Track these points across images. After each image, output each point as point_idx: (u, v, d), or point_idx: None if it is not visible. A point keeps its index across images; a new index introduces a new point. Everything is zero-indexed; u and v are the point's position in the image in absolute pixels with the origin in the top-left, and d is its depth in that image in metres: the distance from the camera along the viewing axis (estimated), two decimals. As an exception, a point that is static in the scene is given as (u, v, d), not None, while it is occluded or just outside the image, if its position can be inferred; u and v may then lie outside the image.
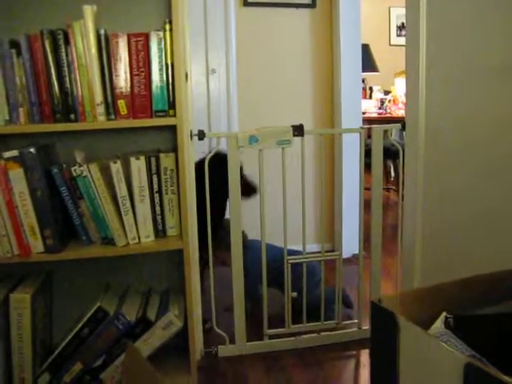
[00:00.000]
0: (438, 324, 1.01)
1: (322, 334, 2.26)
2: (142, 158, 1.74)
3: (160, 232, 1.81)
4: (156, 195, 1.78)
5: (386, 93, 5.33)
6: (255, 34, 3.33)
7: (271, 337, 2.22)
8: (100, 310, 1.77)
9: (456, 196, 1.82)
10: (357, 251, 2.32)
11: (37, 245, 1.68)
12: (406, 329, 0.93)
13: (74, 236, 1.77)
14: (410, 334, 0.92)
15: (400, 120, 2.20)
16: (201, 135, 2.00)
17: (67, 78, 1.64)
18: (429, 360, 0.88)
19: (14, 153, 1.61)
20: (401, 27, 6.19)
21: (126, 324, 1.77)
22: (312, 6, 3.37)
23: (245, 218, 2.13)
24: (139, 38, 1.67)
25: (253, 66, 3.34)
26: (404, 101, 4.51)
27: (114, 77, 1.67)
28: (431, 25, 1.92)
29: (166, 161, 1.77)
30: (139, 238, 1.77)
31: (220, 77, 3.32)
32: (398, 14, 6.11)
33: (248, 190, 2.28)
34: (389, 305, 1.00)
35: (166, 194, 1.78)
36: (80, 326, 1.77)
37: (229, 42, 3.27)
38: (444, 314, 1.02)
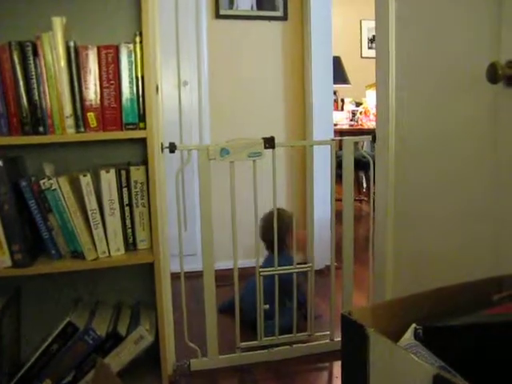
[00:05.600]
0: (408, 335, 1.01)
1: (295, 346, 2.25)
2: (112, 171, 1.73)
3: (130, 245, 1.80)
4: (126, 208, 1.76)
5: (358, 105, 5.38)
6: (227, 47, 3.34)
7: (243, 350, 2.21)
8: (70, 325, 1.75)
9: (426, 207, 1.84)
10: (329, 262, 2.32)
11: (4, 259, 1.65)
12: (375, 341, 0.93)
13: (43, 250, 1.75)
14: (380, 346, 0.92)
15: (371, 132, 2.22)
16: (172, 148, 1.99)
17: (36, 90, 1.63)
18: (398, 372, 0.88)
19: (-19, 166, 1.59)
20: (372, 40, 6.27)
21: (96, 339, 1.75)
22: (284, 18, 3.39)
23: (216, 228, 2.12)
24: (109, 51, 1.67)
25: (225, 79, 3.35)
26: (375, 113, 4.56)
27: (83, 89, 1.67)
28: (400, 38, 1.94)
29: (137, 174, 1.76)
30: (109, 251, 1.75)
31: (192, 89, 3.31)
32: (370, 26, 6.18)
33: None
34: (359, 317, 1.00)
35: (137, 207, 1.77)
36: (49, 341, 1.74)
37: (201, 54, 3.27)
38: (413, 325, 1.03)
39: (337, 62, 4.52)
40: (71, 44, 1.64)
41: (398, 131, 1.99)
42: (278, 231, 2.18)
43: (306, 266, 2.27)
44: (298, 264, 2.24)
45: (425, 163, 1.84)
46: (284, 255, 2.31)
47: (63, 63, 1.63)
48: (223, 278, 2.27)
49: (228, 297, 2.46)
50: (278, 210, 2.29)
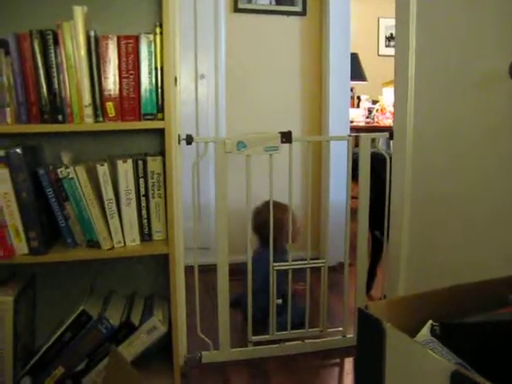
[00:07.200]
0: (424, 332, 1.00)
1: (307, 341, 2.25)
2: (129, 161, 1.73)
3: (146, 236, 1.80)
4: (142, 199, 1.77)
5: (374, 102, 5.34)
6: (245, 41, 3.34)
7: (255, 343, 2.21)
8: (83, 314, 1.76)
9: (443, 205, 1.83)
10: (342, 259, 2.32)
11: (21, 246, 1.66)
12: (392, 336, 0.93)
13: (59, 238, 1.76)
14: (397, 341, 0.92)
15: (387, 129, 2.21)
16: (189, 140, 1.99)
17: (55, 79, 1.63)
18: (415, 367, 0.88)
19: (0, 153, 1.59)
20: (389, 38, 6.23)
21: (109, 328, 1.76)
22: (302, 14, 3.38)
23: (231, 223, 2.12)
24: (129, 41, 1.67)
25: (242, 73, 3.34)
26: (391, 110, 4.53)
27: (102, 79, 1.67)
28: (420, 36, 1.93)
29: (154, 164, 1.76)
30: (125, 241, 1.76)
31: (209, 82, 3.31)
32: (387, 25, 6.15)
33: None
34: (375, 312, 1.00)
35: (153, 197, 1.77)
36: (63, 329, 1.75)
37: (218, 47, 3.27)
38: (430, 321, 1.02)
39: (354, 59, 4.49)
40: (92, 33, 1.64)
41: (416, 129, 1.98)
42: (273, 226, 2.17)
43: (319, 261, 2.27)
44: (311, 260, 2.23)
45: (443, 159, 1.83)
46: (277, 250, 2.25)
47: (83, 52, 1.63)
48: (236, 271, 2.28)
49: (238, 290, 2.47)
50: (273, 202, 2.29)
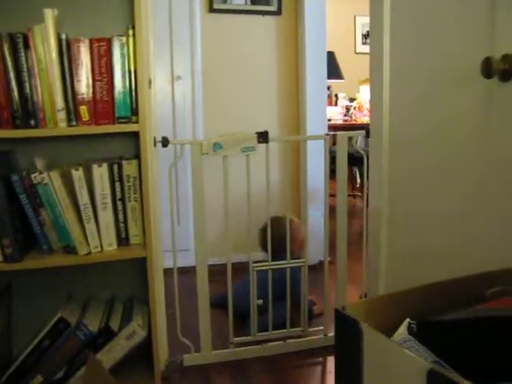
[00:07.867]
0: (402, 330, 1.00)
1: (288, 341, 2.25)
2: (105, 165, 1.71)
3: (123, 240, 1.78)
4: (119, 203, 1.75)
5: (352, 100, 5.37)
6: (221, 41, 3.33)
7: (237, 345, 2.20)
8: (61, 321, 1.74)
9: (420, 201, 1.83)
10: (323, 258, 2.32)
11: (-5, 254, 1.63)
12: (369, 336, 0.92)
13: (35, 245, 1.73)
14: (374, 340, 0.92)
15: (365, 126, 2.21)
16: (164, 142, 1.98)
17: (27, 83, 1.61)
18: (392, 367, 0.88)
19: (-29, 159, 1.57)
20: (366, 35, 6.27)
21: (88, 334, 1.74)
22: (278, 13, 3.38)
23: (209, 223, 2.11)
24: (101, 43, 1.65)
25: (218, 73, 3.33)
26: (369, 108, 4.56)
27: (75, 82, 1.65)
28: (395, 34, 1.93)
29: (129, 168, 1.74)
30: (102, 246, 1.74)
31: (185, 84, 3.30)
32: (364, 22, 6.18)
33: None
34: (353, 312, 1.00)
35: (129, 201, 1.76)
36: (40, 337, 1.73)
37: (194, 48, 3.26)
38: (407, 320, 1.02)
39: (330, 57, 4.51)
40: (63, 36, 1.62)
41: (392, 126, 1.98)
42: (281, 239, 2.19)
43: (299, 260, 2.26)
44: (292, 259, 2.23)
45: (419, 157, 1.84)
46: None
47: (55, 56, 1.61)
48: (217, 273, 2.27)
49: (221, 291, 2.46)
50: (276, 218, 2.33)
